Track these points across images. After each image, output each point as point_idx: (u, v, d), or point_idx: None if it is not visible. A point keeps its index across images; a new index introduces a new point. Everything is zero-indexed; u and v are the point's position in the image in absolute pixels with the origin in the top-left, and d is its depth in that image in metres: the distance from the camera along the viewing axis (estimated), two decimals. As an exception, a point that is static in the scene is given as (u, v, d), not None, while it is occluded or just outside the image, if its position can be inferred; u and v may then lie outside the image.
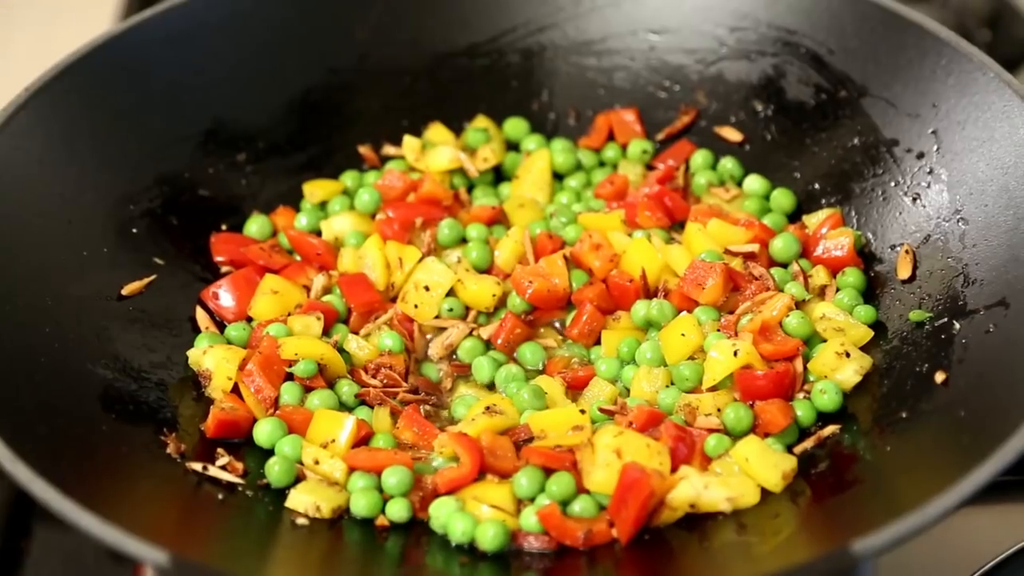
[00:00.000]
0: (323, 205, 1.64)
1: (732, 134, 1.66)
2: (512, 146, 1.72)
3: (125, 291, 1.46)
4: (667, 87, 1.69)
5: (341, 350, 1.45)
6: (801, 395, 1.38)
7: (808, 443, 1.34)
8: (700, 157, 1.66)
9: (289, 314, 1.48)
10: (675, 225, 1.58)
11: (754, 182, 1.62)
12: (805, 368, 1.39)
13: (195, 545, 1.21)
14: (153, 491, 1.26)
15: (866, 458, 1.29)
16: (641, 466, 1.25)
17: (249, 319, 1.50)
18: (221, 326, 1.50)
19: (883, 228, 1.50)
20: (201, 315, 1.50)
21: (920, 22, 1.50)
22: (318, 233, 1.60)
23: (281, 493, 1.31)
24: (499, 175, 1.70)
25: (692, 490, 1.25)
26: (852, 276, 1.48)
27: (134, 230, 1.51)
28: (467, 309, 1.52)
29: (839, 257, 1.49)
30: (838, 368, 1.37)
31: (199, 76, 1.62)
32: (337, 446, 1.34)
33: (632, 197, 1.61)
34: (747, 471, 1.29)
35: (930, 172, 1.47)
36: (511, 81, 1.72)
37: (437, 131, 1.69)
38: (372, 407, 1.41)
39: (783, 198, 1.59)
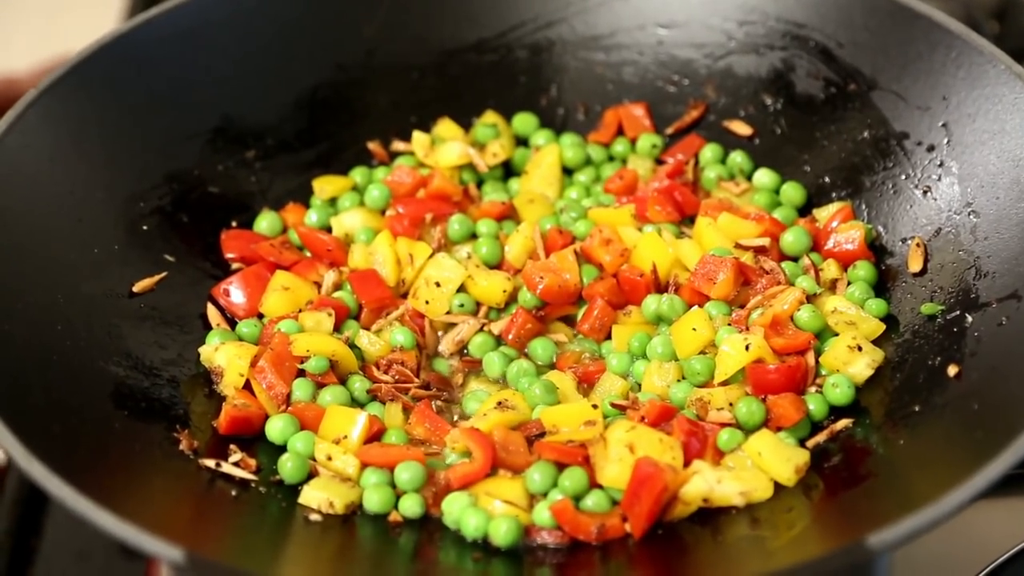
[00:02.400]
0: (333, 201, 1.64)
1: (741, 128, 1.66)
2: (521, 141, 1.72)
3: (136, 288, 1.46)
4: (676, 81, 1.69)
5: (352, 346, 1.45)
6: (813, 389, 1.38)
7: (821, 437, 1.34)
8: (710, 151, 1.66)
9: (300, 310, 1.48)
10: (685, 219, 1.57)
11: (764, 176, 1.61)
12: (817, 362, 1.39)
13: (209, 542, 1.21)
14: (167, 488, 1.26)
15: (879, 452, 1.29)
16: (654, 461, 1.25)
17: (260, 316, 1.50)
18: (232, 323, 1.50)
19: (894, 221, 1.50)
20: (212, 312, 1.50)
21: (929, 15, 1.50)
22: (328, 229, 1.60)
23: (294, 489, 1.31)
24: (508, 170, 1.70)
25: (705, 484, 1.25)
26: (863, 269, 1.48)
27: (144, 227, 1.51)
28: (478, 305, 1.52)
29: (850, 251, 1.49)
30: (850, 362, 1.37)
31: (207, 73, 1.61)
32: (349, 442, 1.34)
33: (642, 192, 1.61)
34: (760, 465, 1.29)
35: (941, 165, 1.47)
36: (520, 76, 1.72)
37: (446, 127, 1.69)
38: (384, 403, 1.42)
39: (793, 192, 1.59)
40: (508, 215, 1.62)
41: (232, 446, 1.35)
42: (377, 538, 1.28)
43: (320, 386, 1.41)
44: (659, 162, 1.68)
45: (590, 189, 1.67)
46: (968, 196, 1.43)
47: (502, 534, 1.25)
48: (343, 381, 1.43)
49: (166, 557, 1.10)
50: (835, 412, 1.36)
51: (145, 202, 1.53)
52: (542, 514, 1.27)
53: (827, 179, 1.58)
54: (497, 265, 1.55)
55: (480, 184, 1.67)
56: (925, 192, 1.48)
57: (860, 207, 1.54)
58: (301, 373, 1.41)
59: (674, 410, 1.34)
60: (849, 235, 1.50)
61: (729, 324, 1.41)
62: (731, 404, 1.35)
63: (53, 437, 1.22)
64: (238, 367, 1.40)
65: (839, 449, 1.31)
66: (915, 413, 1.29)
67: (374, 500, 1.30)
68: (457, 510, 1.28)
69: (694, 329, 1.41)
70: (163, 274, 1.49)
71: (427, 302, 1.50)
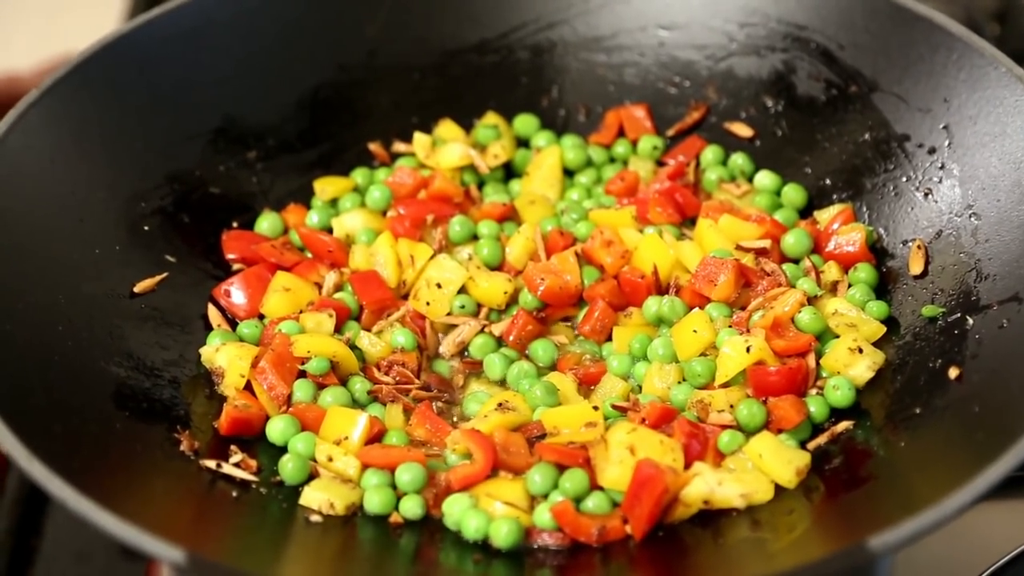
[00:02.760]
0: (334, 202, 1.64)
1: (743, 130, 1.66)
2: (522, 143, 1.72)
3: (137, 289, 1.46)
4: (677, 83, 1.69)
5: (353, 347, 1.45)
6: (814, 391, 1.38)
7: (821, 439, 1.33)
8: (711, 153, 1.66)
9: (301, 311, 1.48)
10: (686, 221, 1.58)
11: (765, 178, 1.61)
12: (818, 364, 1.39)
13: (210, 543, 1.21)
14: (167, 489, 1.26)
15: (880, 454, 1.29)
16: (655, 462, 1.25)
17: (261, 316, 1.50)
18: (233, 324, 1.50)
19: (895, 223, 1.50)
20: (213, 313, 1.50)
21: (930, 17, 1.50)
22: (329, 230, 1.60)
23: (295, 490, 1.31)
24: (509, 172, 1.70)
25: (706, 486, 1.25)
26: (864, 272, 1.48)
27: (145, 228, 1.51)
28: (479, 306, 1.52)
29: (851, 253, 1.49)
30: (851, 364, 1.37)
31: (209, 73, 1.61)
32: (350, 443, 1.34)
33: (643, 193, 1.61)
34: (760, 467, 1.29)
35: (942, 167, 1.47)
36: (521, 77, 1.72)
37: (447, 128, 1.69)
38: (385, 404, 1.41)
39: (794, 194, 1.59)
40: (509, 216, 1.62)
41: (233, 447, 1.35)
42: (378, 539, 1.28)
43: (321, 387, 1.41)
44: (660, 164, 1.68)
45: (591, 191, 1.67)
46: (969, 198, 1.43)
47: (503, 536, 1.25)
48: (344, 382, 1.43)
49: (167, 558, 1.09)
50: (836, 414, 1.36)
51: (146, 202, 1.53)
52: (543, 516, 1.27)
53: (828, 181, 1.58)
54: (498, 266, 1.55)
55: (481, 185, 1.67)
56: (926, 194, 1.48)
57: (861, 209, 1.54)
58: (302, 374, 1.41)
59: (675, 412, 1.34)
60: (850, 237, 1.50)
61: (730, 326, 1.41)
62: (732, 406, 1.35)
63: (54, 437, 1.22)
64: (239, 368, 1.40)
65: (840, 451, 1.31)
66: (916, 415, 1.29)
67: (375, 501, 1.30)
68: (458, 511, 1.28)
69: (695, 331, 1.40)
70: (164, 275, 1.49)
71: (428, 303, 1.50)
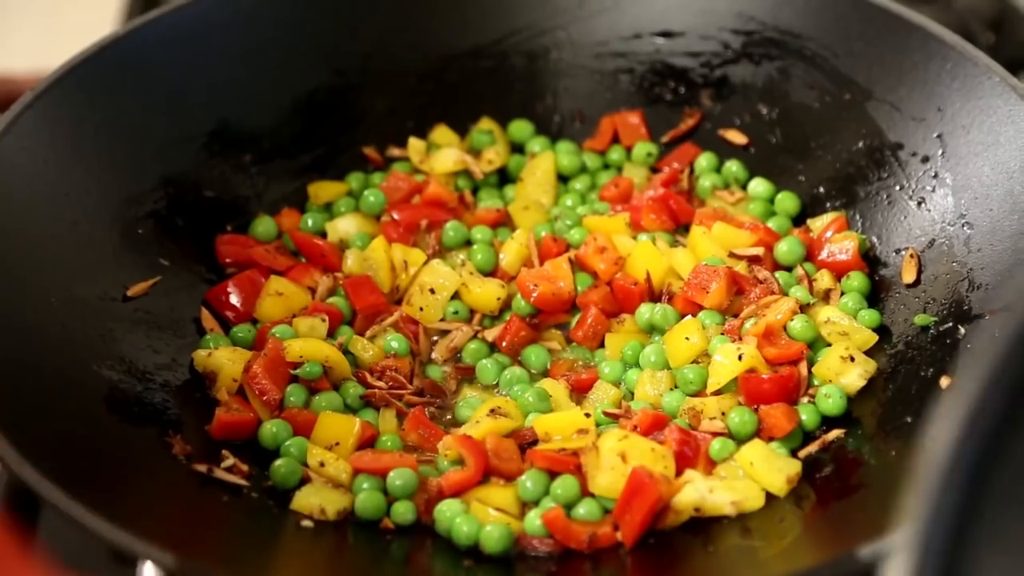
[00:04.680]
0: (328, 206, 1.64)
1: (737, 137, 1.66)
2: (517, 148, 1.72)
3: (130, 292, 1.46)
4: (672, 90, 1.69)
5: (346, 352, 1.45)
6: (805, 399, 1.38)
7: (812, 447, 1.34)
8: (705, 160, 1.66)
9: (294, 316, 1.48)
10: (680, 228, 1.58)
11: (759, 185, 1.62)
12: (810, 372, 1.39)
13: (200, 547, 1.20)
14: (158, 493, 1.26)
15: (871, 462, 1.29)
16: (649, 470, 1.25)
17: (254, 320, 1.50)
18: (226, 328, 1.50)
19: (888, 232, 1.50)
20: (206, 316, 1.49)
21: (925, 26, 1.50)
22: (323, 235, 1.60)
23: (286, 495, 1.31)
24: (504, 177, 1.70)
25: (697, 494, 1.25)
26: (857, 280, 1.48)
27: (139, 231, 1.51)
28: (472, 312, 1.52)
29: (844, 261, 1.49)
30: (843, 372, 1.37)
31: (204, 77, 1.61)
32: (342, 448, 1.34)
33: (637, 200, 1.61)
34: (752, 475, 1.29)
35: (935, 176, 1.47)
36: (516, 83, 1.72)
37: (442, 133, 1.69)
38: (377, 409, 1.41)
39: (788, 201, 1.59)
40: (503, 222, 1.62)
41: (224, 451, 1.34)
42: (369, 545, 1.28)
43: (313, 392, 1.41)
44: (654, 170, 1.68)
45: (585, 197, 1.67)
46: (962, 207, 1.43)
47: (493, 541, 1.25)
48: (336, 387, 1.43)
49: (158, 562, 1.09)
50: (827, 422, 1.37)
51: (140, 205, 1.53)
52: (534, 522, 1.27)
53: (821, 189, 1.58)
54: (491, 272, 1.55)
55: (475, 191, 1.67)
56: (919, 203, 1.48)
57: (854, 217, 1.54)
58: (295, 379, 1.41)
59: (666, 419, 1.34)
60: (843, 245, 1.50)
61: (722, 333, 1.41)
62: (723, 413, 1.35)
63: (45, 441, 1.21)
64: (231, 372, 1.39)
65: (831, 459, 1.31)
66: (907, 424, 1.29)
67: (366, 506, 1.29)
68: (449, 517, 1.28)
69: (687, 338, 1.41)
70: (157, 278, 1.49)
71: (421, 309, 1.50)
